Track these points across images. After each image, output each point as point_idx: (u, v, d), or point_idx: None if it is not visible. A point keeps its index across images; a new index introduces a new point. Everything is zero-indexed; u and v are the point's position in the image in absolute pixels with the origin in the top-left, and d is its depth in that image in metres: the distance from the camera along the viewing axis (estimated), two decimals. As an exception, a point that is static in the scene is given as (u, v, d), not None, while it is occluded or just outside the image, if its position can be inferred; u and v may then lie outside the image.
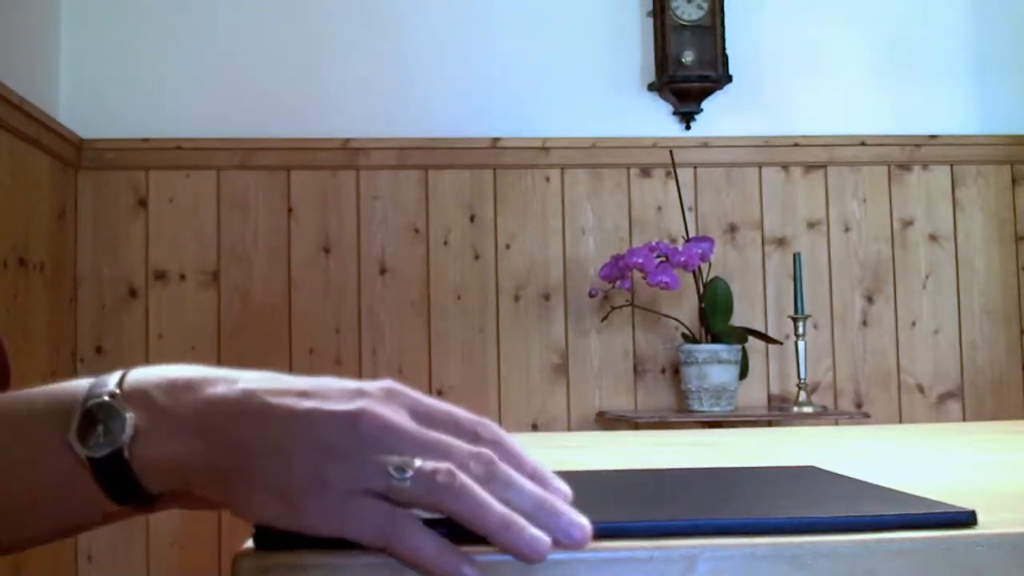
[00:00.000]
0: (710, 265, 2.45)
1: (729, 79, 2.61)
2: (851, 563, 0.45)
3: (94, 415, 0.47)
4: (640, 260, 2.34)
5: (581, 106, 2.65)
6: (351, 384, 0.48)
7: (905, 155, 2.69)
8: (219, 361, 2.48)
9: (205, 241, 2.53)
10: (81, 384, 0.50)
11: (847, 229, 2.67)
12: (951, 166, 2.70)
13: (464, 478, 0.44)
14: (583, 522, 0.45)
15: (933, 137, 2.69)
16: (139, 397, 0.48)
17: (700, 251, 2.37)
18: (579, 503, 0.46)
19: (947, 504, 0.52)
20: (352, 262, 2.55)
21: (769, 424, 2.42)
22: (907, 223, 2.68)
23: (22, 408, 0.50)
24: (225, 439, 0.46)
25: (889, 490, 0.58)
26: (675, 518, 0.48)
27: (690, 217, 2.59)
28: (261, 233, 2.54)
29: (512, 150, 2.59)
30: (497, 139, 2.59)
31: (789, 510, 0.52)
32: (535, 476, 0.47)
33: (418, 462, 0.44)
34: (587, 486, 0.56)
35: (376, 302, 2.55)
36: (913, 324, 2.66)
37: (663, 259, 2.36)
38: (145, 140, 2.52)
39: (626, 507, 0.55)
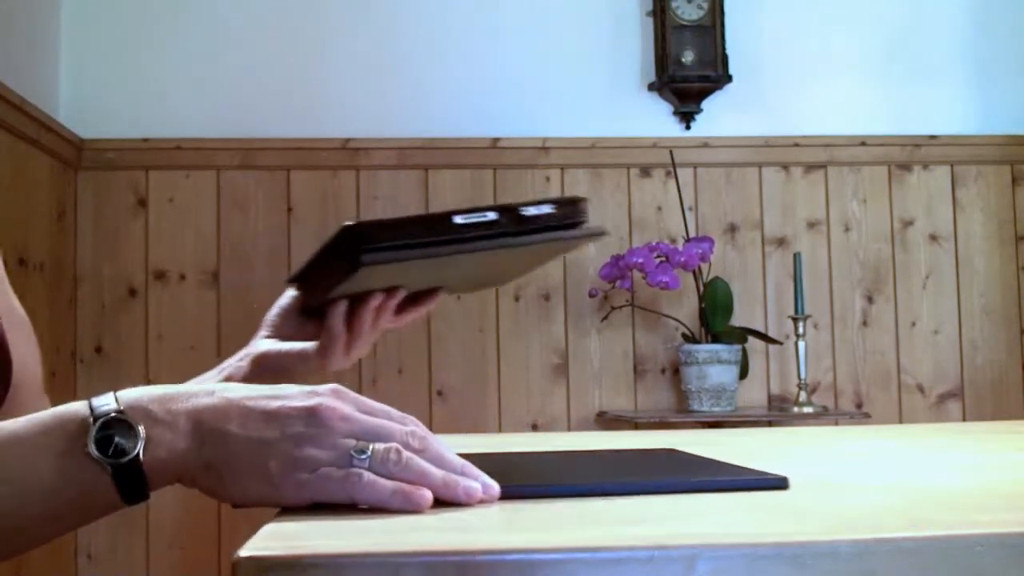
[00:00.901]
0: (710, 265, 2.45)
1: (729, 79, 2.61)
2: (851, 563, 0.45)
3: (109, 430, 0.57)
4: (640, 260, 2.34)
5: (581, 106, 2.65)
6: (306, 388, 0.60)
7: (905, 155, 2.69)
8: (220, 361, 2.47)
9: (205, 241, 2.53)
10: (78, 406, 0.58)
11: (847, 229, 2.67)
12: (951, 166, 2.70)
13: (408, 454, 0.57)
14: (494, 483, 0.59)
15: (933, 137, 2.69)
16: (140, 411, 0.57)
17: (700, 251, 2.37)
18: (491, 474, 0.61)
19: (766, 472, 0.64)
20: (352, 262, 2.55)
21: (769, 424, 2.42)
22: (907, 223, 2.68)
23: (33, 432, 0.58)
24: (215, 438, 0.57)
25: (730, 465, 0.69)
26: (549, 483, 0.63)
27: (690, 217, 2.59)
28: (261, 233, 2.54)
29: (512, 150, 2.59)
30: (497, 139, 2.60)
31: (630, 479, 0.65)
32: (444, 461, 0.60)
33: (372, 446, 0.57)
34: (498, 463, 0.69)
35: (376, 302, 2.54)
36: (913, 324, 2.66)
37: (663, 259, 2.36)
38: (145, 140, 2.53)
39: (521, 476, 0.68)
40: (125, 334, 2.49)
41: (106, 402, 0.58)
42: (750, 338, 2.47)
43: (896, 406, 2.64)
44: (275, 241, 2.54)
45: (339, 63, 2.60)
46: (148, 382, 2.45)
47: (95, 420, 0.57)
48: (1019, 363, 2.67)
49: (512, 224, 0.70)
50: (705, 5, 2.60)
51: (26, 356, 0.88)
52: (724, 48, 2.61)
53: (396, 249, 0.71)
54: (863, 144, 2.67)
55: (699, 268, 2.41)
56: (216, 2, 2.59)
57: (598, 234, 0.74)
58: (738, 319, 2.53)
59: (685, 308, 2.56)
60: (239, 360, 0.94)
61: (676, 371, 2.55)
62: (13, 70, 2.18)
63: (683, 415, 2.42)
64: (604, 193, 2.62)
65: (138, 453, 0.56)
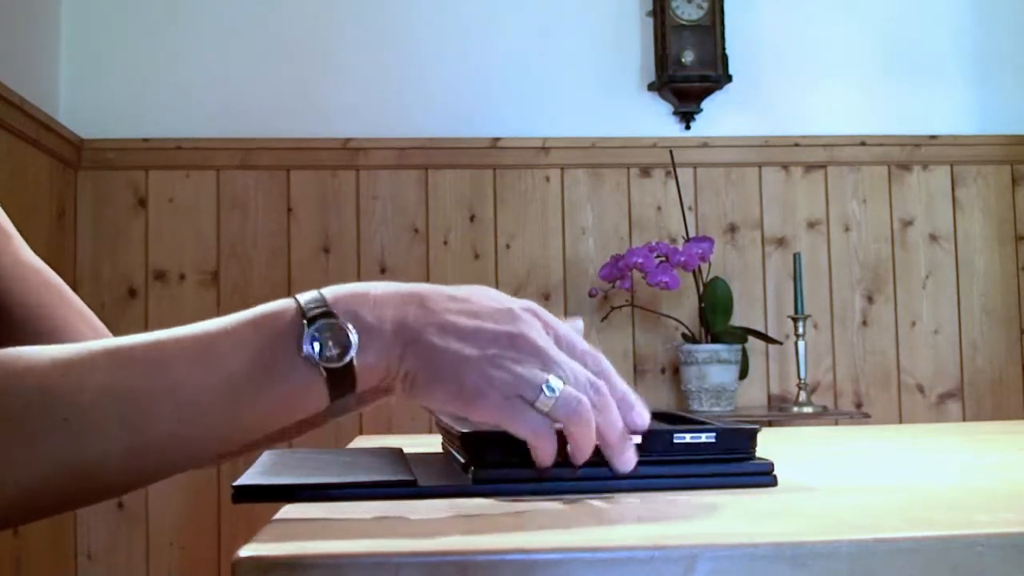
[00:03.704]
0: (710, 265, 2.45)
1: (729, 79, 2.61)
2: (851, 563, 0.45)
3: (324, 332, 0.56)
4: (640, 260, 2.34)
5: (581, 106, 2.65)
6: (504, 304, 0.60)
7: (905, 155, 2.69)
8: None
9: (205, 241, 2.53)
10: (285, 304, 0.58)
11: (847, 229, 2.67)
12: (951, 166, 2.70)
13: (590, 413, 0.58)
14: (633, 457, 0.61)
15: (933, 137, 2.69)
16: (351, 316, 0.57)
17: (700, 251, 2.37)
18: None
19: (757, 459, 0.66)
20: (352, 262, 2.55)
21: (769, 424, 2.42)
22: (907, 223, 2.68)
23: (242, 326, 0.59)
24: (417, 348, 0.58)
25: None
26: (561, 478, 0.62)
27: (690, 217, 2.59)
28: (261, 233, 2.54)
29: (512, 150, 2.59)
30: (497, 139, 2.60)
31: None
32: (624, 401, 0.62)
33: (562, 385, 0.58)
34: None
35: (376, 302, 2.54)
36: (913, 324, 2.66)
37: (663, 259, 2.36)
38: (145, 140, 2.53)
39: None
40: (124, 334, 2.48)
41: (315, 302, 0.58)
42: (750, 338, 2.47)
43: (896, 406, 2.64)
44: (275, 241, 2.54)
45: (339, 63, 2.60)
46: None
47: (308, 321, 0.57)
48: (1019, 363, 2.67)
49: (661, 451, 0.67)
50: (705, 5, 2.60)
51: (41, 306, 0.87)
52: (724, 48, 2.61)
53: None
54: (863, 144, 2.67)
55: (699, 268, 2.41)
56: (216, 2, 2.59)
57: (764, 474, 0.67)
58: (738, 319, 2.53)
59: (685, 308, 2.56)
60: None
61: (676, 371, 2.55)
62: (13, 70, 2.18)
63: (683, 415, 2.42)
64: (604, 193, 2.62)
65: (352, 357, 0.57)
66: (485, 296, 0.61)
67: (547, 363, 0.58)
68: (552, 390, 0.57)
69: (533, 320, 0.60)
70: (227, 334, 0.58)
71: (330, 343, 0.56)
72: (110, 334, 0.91)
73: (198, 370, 0.57)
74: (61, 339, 0.83)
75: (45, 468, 0.54)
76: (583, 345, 0.62)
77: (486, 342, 0.58)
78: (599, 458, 0.61)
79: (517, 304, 0.61)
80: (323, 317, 0.57)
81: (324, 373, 0.57)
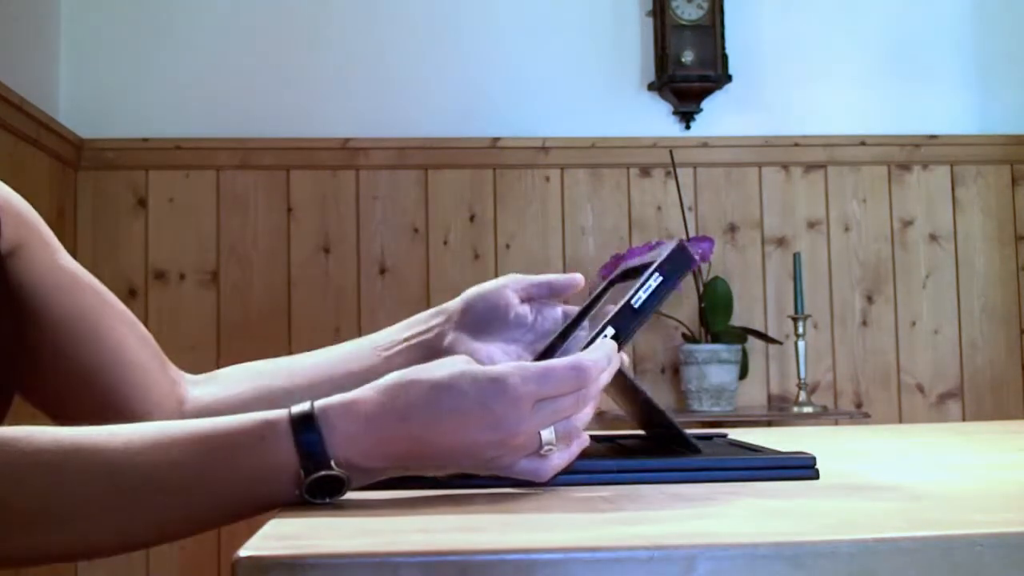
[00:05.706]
0: (710, 265, 2.45)
1: (729, 79, 2.61)
2: (851, 563, 0.45)
3: (323, 481, 0.61)
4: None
5: (581, 106, 2.65)
6: (482, 399, 0.62)
7: (905, 155, 2.69)
8: (219, 361, 2.48)
9: (205, 241, 2.53)
10: (288, 453, 0.61)
11: (847, 229, 2.67)
12: (951, 166, 2.70)
13: (578, 435, 0.66)
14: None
15: (933, 137, 2.69)
16: (346, 463, 0.61)
17: (700, 251, 2.37)
18: None
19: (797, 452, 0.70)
20: (352, 262, 2.55)
21: (769, 424, 2.42)
22: (907, 223, 2.68)
23: (242, 462, 0.62)
24: (416, 472, 0.64)
25: (768, 449, 0.74)
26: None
27: (690, 217, 2.59)
28: (261, 233, 2.54)
29: (512, 150, 2.59)
30: (497, 139, 2.60)
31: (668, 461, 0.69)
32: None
33: (553, 442, 0.64)
34: None
35: (376, 302, 2.55)
36: (913, 324, 2.66)
37: (663, 259, 2.36)
38: (145, 140, 2.53)
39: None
40: (125, 334, 2.48)
41: (322, 450, 0.61)
42: (750, 338, 2.47)
43: (896, 406, 2.64)
44: (275, 241, 2.54)
45: (339, 63, 2.60)
46: (148, 382, 2.46)
47: (310, 470, 0.61)
48: (1019, 363, 2.67)
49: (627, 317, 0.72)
50: (705, 5, 2.60)
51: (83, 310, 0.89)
52: (724, 48, 2.61)
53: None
54: (863, 144, 2.67)
55: (699, 268, 2.41)
56: (216, 2, 2.59)
57: (806, 467, 0.70)
58: (738, 319, 2.53)
59: (685, 308, 2.56)
60: (435, 320, 0.93)
61: (676, 371, 2.55)
62: (13, 70, 2.18)
63: (683, 415, 2.42)
64: (604, 193, 2.62)
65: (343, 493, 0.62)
66: (467, 392, 0.63)
67: (537, 428, 0.63)
68: (549, 446, 0.64)
69: (515, 397, 0.62)
70: (232, 475, 0.62)
71: (326, 486, 0.61)
72: (148, 335, 0.96)
73: (198, 500, 0.64)
74: (99, 342, 0.89)
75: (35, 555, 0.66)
76: (561, 374, 0.64)
77: (479, 453, 0.62)
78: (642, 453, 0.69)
79: (496, 393, 0.63)
80: (328, 470, 0.61)
81: (316, 502, 0.62)
